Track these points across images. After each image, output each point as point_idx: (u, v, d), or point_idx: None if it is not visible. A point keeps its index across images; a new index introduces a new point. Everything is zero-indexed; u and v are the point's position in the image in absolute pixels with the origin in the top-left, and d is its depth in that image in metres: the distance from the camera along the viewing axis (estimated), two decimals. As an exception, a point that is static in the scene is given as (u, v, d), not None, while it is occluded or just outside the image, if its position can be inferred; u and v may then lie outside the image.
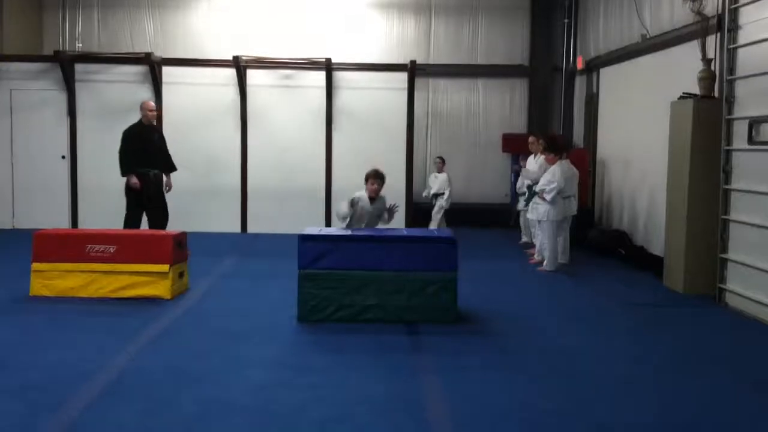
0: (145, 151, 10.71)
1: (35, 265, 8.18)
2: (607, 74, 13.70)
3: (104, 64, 14.09)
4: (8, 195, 13.96)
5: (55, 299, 7.95)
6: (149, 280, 8.07)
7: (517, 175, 12.91)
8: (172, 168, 11.16)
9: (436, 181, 13.98)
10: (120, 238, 8.26)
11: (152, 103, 11.27)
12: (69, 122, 13.96)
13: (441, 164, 14.05)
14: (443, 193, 13.81)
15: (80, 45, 15.60)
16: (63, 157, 13.96)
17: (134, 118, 13.79)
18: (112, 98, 13.95)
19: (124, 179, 10.68)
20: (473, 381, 5.56)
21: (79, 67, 13.96)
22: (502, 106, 16.04)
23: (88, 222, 13.50)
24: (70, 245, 8.18)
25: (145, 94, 13.84)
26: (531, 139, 12.20)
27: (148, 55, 13.86)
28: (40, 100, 14.01)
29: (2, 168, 13.92)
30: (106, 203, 13.16)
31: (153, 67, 13.78)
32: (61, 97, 13.93)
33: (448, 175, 13.92)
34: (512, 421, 4.82)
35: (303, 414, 4.83)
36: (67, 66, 13.82)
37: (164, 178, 11.04)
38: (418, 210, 14.21)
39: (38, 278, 8.14)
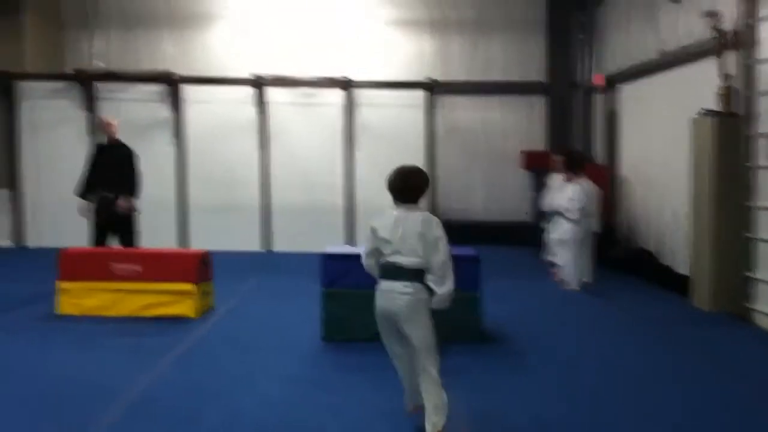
0: (99, 171, 9.92)
1: (62, 284, 8.25)
2: (626, 90, 13.69)
3: (124, 82, 14.24)
4: (34, 213, 14.07)
5: (83, 318, 8.02)
6: (174, 299, 8.13)
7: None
8: (126, 189, 9.88)
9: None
10: (145, 257, 8.34)
11: (110, 118, 10.49)
12: (90, 140, 14.08)
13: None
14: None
15: (101, 64, 15.76)
16: (84, 175, 14.06)
17: (154, 135, 14.05)
18: (133, 116, 14.04)
19: (79, 202, 9.96)
20: (495, 400, 5.58)
21: (99, 86, 14.12)
22: (520, 122, 16.05)
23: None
24: (96, 264, 8.27)
25: (165, 112, 13.99)
26: (556, 157, 12.12)
27: (168, 73, 13.99)
28: (61, 118, 14.15)
29: (28, 186, 14.05)
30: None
31: (172, 85, 13.90)
32: (82, 116, 14.07)
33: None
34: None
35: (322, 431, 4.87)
36: (87, 85, 13.97)
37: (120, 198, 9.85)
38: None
39: (65, 296, 8.22)
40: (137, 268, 8.15)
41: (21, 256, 13.26)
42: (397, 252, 4.59)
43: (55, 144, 14.12)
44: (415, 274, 4.58)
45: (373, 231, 4.70)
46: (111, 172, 9.88)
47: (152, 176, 13.84)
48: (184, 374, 6.08)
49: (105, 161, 9.99)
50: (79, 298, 8.19)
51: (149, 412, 5.18)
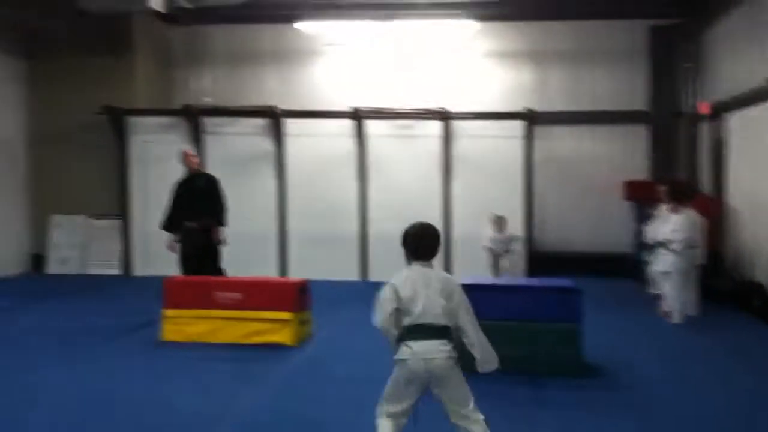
0: (186, 202, 10.09)
1: (166, 312, 8.52)
2: (734, 119, 13.26)
3: (230, 117, 14.70)
4: (142, 243, 14.60)
5: (185, 344, 8.23)
6: (274, 327, 8.26)
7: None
8: (219, 220, 10.10)
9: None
10: (246, 286, 8.52)
11: (188, 150, 10.78)
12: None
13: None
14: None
15: (208, 99, 16.32)
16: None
17: (257, 168, 14.42)
18: (237, 150, 14.52)
19: (166, 235, 10.21)
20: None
21: (206, 120, 14.61)
22: (623, 152, 15.72)
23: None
24: (199, 292, 8.49)
25: (268, 145, 14.36)
26: (661, 187, 11.80)
27: (271, 107, 14.36)
28: (170, 152, 14.64)
29: (136, 217, 14.61)
30: (231, 251, 13.58)
31: (275, 119, 14.26)
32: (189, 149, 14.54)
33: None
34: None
35: (425, 464, 4.82)
36: (195, 119, 14.48)
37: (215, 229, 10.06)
38: (537, 259, 14.04)
39: (169, 324, 8.48)
40: (238, 296, 8.34)
41: (128, 284, 13.75)
42: (426, 311, 4.40)
43: (163, 176, 14.59)
44: (447, 332, 4.43)
45: (396, 291, 4.49)
46: (195, 203, 10.02)
47: (255, 207, 14.29)
48: (283, 403, 6.16)
49: (188, 193, 10.14)
50: (182, 326, 8.42)
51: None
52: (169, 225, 10.08)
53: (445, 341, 4.37)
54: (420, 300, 4.39)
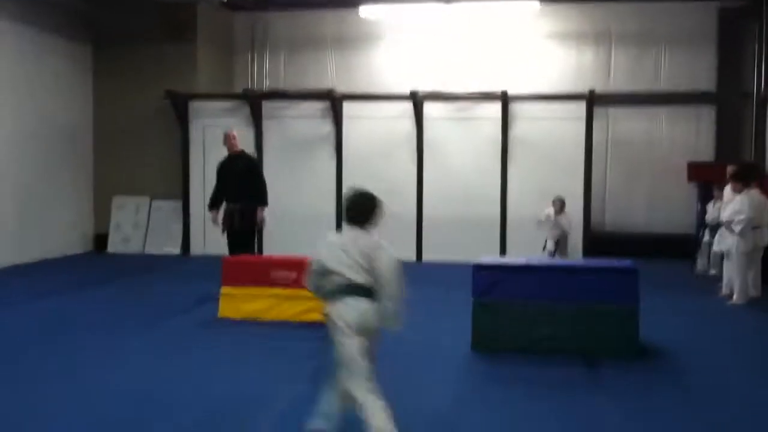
0: (226, 184, 10.22)
1: (224, 289, 8.65)
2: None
3: (289, 100, 14.80)
4: (201, 223, 14.84)
5: (241, 322, 8.34)
6: (327, 306, 8.30)
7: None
8: (259, 201, 10.17)
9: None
10: (301, 265, 8.54)
11: (231, 131, 10.64)
12: (256, 156, 14.70)
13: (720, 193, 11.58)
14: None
15: (267, 83, 16.46)
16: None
17: (316, 151, 14.51)
18: (296, 133, 14.63)
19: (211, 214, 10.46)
20: (654, 420, 5.30)
21: (266, 104, 14.74)
22: (687, 134, 15.38)
23: (272, 248, 14.10)
24: (256, 271, 8.60)
25: (327, 128, 14.42)
26: (730, 169, 11.49)
27: (330, 91, 14.40)
28: (229, 135, 14.84)
29: (196, 198, 14.85)
30: (289, 231, 13.73)
31: (334, 102, 14.30)
32: (250, 133, 14.70)
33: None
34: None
35: (476, 442, 4.80)
36: (255, 103, 14.62)
37: (258, 211, 10.13)
38: (595, 240, 13.84)
39: (226, 301, 8.60)
40: (293, 275, 8.40)
41: (187, 263, 14.00)
42: (347, 272, 4.51)
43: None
44: (370, 292, 4.50)
45: (321, 253, 4.62)
46: (235, 185, 10.10)
47: (313, 189, 14.40)
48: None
49: (229, 174, 10.23)
50: (239, 303, 8.54)
51: (301, 417, 5.28)
52: (213, 206, 10.34)
53: (367, 299, 4.46)
54: (344, 262, 4.50)
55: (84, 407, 5.45)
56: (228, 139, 10.41)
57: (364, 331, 4.44)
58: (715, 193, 12.20)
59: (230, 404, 5.59)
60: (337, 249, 4.55)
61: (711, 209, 12.21)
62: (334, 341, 4.46)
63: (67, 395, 5.74)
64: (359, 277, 4.47)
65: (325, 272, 4.56)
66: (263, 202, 10.18)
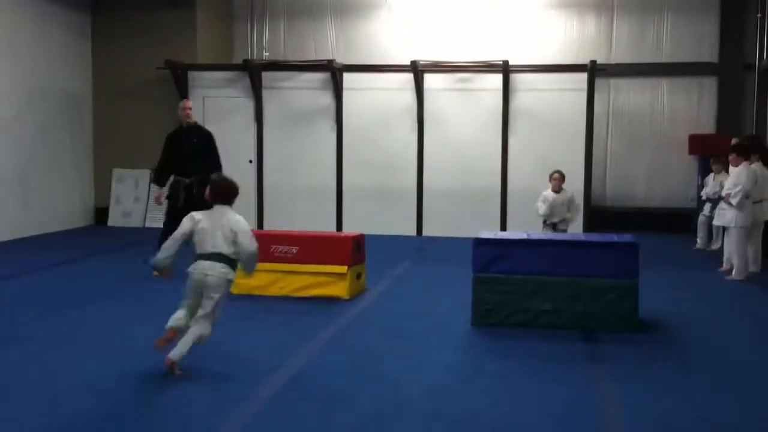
0: (180, 156, 9.78)
1: (224, 264, 8.64)
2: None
3: (289, 71, 14.71)
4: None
5: (242, 296, 8.35)
6: (328, 281, 8.33)
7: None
8: (216, 173, 9.92)
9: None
10: (302, 240, 8.58)
11: (186, 101, 10.27)
12: (256, 128, 14.67)
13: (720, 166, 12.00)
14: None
15: (267, 54, 16.35)
16: (251, 161, 14.68)
17: (316, 123, 14.46)
18: (296, 104, 14.56)
19: (156, 190, 10.08)
20: (653, 392, 5.34)
21: (266, 75, 14.65)
22: (689, 105, 15.33)
23: (272, 223, 14.11)
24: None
25: (327, 99, 14.36)
26: (735, 141, 11.46)
27: (330, 62, 14.31)
28: (230, 107, 14.80)
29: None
30: (289, 205, 13.73)
31: (334, 73, 14.22)
32: (249, 104, 14.65)
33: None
34: (696, 438, 4.61)
35: (476, 419, 4.82)
36: (255, 74, 14.53)
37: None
38: (596, 213, 13.83)
39: (227, 276, 8.60)
40: (294, 250, 8.41)
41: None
42: (212, 241, 5.69)
43: (223, 130, 14.73)
44: (227, 259, 5.68)
45: (194, 221, 5.79)
46: (192, 157, 9.74)
47: (313, 161, 14.37)
48: (336, 355, 6.21)
49: (184, 148, 9.83)
50: (239, 278, 8.52)
51: (303, 391, 5.32)
52: (159, 178, 9.91)
53: (224, 264, 5.66)
54: (209, 232, 5.70)
55: (90, 364, 5.50)
56: (184, 110, 10.00)
57: (211, 285, 5.64)
58: (713, 167, 12.21)
59: (229, 374, 5.62)
60: (209, 222, 5.77)
61: (710, 183, 12.21)
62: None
63: (75, 353, 5.77)
64: (223, 249, 5.69)
65: (188, 239, 5.84)
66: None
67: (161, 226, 14.25)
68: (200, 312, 5.63)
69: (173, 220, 9.37)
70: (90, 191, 15.40)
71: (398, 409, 4.97)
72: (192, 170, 9.70)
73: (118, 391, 5.25)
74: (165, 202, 9.94)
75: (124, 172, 15.40)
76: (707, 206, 12.15)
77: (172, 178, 9.92)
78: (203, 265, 5.67)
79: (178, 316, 5.67)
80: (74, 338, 6.75)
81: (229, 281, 5.76)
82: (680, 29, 15.29)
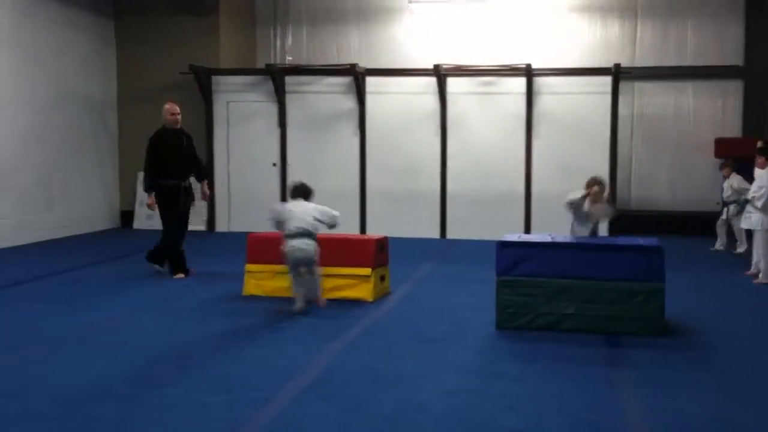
0: (174, 160, 9.64)
1: (248, 266, 8.68)
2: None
3: (312, 75, 14.76)
4: (225, 200, 14.94)
5: (266, 299, 8.38)
6: (352, 283, 8.33)
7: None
8: (204, 175, 10.26)
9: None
10: (325, 242, 8.55)
11: (174, 106, 9.91)
12: (279, 132, 14.72)
13: (728, 170, 12.46)
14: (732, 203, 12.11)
15: (290, 58, 16.42)
16: (274, 164, 14.74)
17: (339, 126, 14.49)
18: (319, 108, 14.60)
19: (148, 195, 9.74)
20: (676, 397, 5.27)
21: (289, 79, 14.71)
22: (714, 108, 15.21)
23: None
24: (279, 248, 8.57)
25: (350, 103, 14.39)
26: (760, 144, 11.41)
27: (353, 66, 14.34)
28: (253, 111, 14.88)
29: (220, 175, 14.92)
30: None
31: (357, 77, 14.25)
32: (273, 108, 14.71)
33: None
34: (721, 442, 4.55)
35: (495, 423, 4.79)
36: (278, 78, 14.59)
37: (201, 186, 10.14)
38: (620, 217, 13.73)
39: (251, 278, 8.64)
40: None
41: (213, 239, 14.08)
42: (298, 222, 7.72)
43: (245, 134, 14.88)
44: (312, 235, 7.76)
45: (284, 208, 8.06)
46: (183, 161, 9.73)
47: (336, 165, 14.40)
48: (359, 358, 6.20)
49: (176, 150, 9.73)
50: (263, 280, 8.57)
51: (324, 393, 5.31)
52: (153, 183, 9.66)
53: (310, 240, 7.72)
54: (295, 216, 7.78)
55: (111, 366, 5.53)
56: (173, 115, 9.79)
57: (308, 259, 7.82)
58: (723, 171, 12.35)
59: (251, 376, 5.62)
60: (294, 209, 7.93)
61: (726, 186, 12.26)
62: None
63: (91, 353, 5.81)
64: (308, 227, 7.80)
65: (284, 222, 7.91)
66: (208, 177, 10.00)
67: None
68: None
69: (180, 221, 9.66)
70: (115, 194, 15.54)
71: (417, 412, 4.95)
72: (185, 173, 9.74)
73: (137, 393, 5.27)
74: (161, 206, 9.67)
75: (149, 176, 15.50)
76: (726, 209, 12.21)
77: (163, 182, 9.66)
78: (294, 242, 7.68)
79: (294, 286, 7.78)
80: (93, 339, 6.80)
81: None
82: (705, 32, 15.18)
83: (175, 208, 9.59)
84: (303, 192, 8.08)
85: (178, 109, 9.86)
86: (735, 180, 12.11)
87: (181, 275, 9.69)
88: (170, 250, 9.74)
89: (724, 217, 12.40)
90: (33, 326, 7.24)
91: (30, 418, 4.78)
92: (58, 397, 5.15)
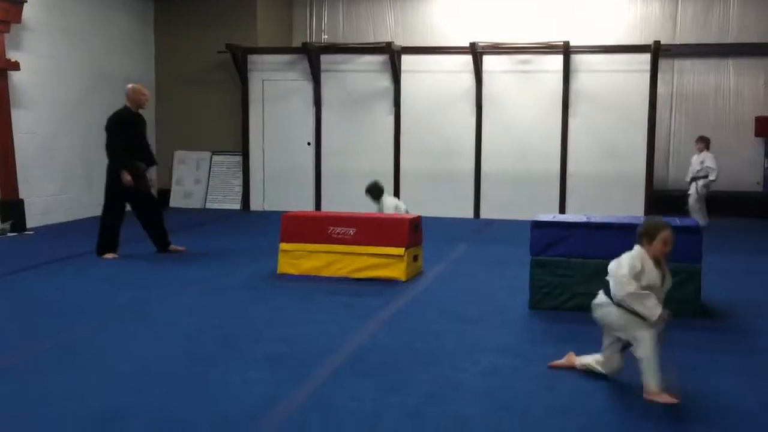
0: (137, 143, 9.60)
1: (283, 245, 8.73)
2: None
3: (348, 54, 14.74)
4: (260, 179, 15.04)
5: (300, 277, 8.44)
6: (386, 262, 8.35)
7: None
8: (153, 161, 10.07)
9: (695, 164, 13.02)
10: (360, 221, 8.62)
11: (144, 87, 9.83)
12: (315, 111, 14.75)
13: (702, 145, 12.98)
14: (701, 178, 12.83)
15: (326, 37, 16.40)
16: (309, 143, 14.79)
17: (374, 105, 14.47)
18: (355, 87, 14.59)
19: (124, 173, 9.40)
20: (714, 378, 5.24)
21: (324, 58, 14.71)
22: (756, 87, 14.90)
23: (330, 204, 14.20)
24: (315, 227, 8.65)
25: (385, 82, 14.36)
26: None
27: (389, 44, 14.29)
28: (289, 89, 14.92)
29: (255, 154, 15.01)
30: (347, 187, 13.78)
31: (393, 56, 14.20)
32: (308, 87, 14.74)
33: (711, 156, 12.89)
34: (758, 422, 4.51)
35: (532, 402, 4.80)
36: (313, 57, 14.60)
37: (148, 172, 9.95)
38: (658, 197, 13.60)
39: (285, 257, 8.70)
40: (352, 231, 8.45)
41: (247, 218, 14.19)
42: None
43: (281, 113, 14.93)
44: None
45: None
46: (144, 144, 9.81)
47: (371, 144, 14.41)
48: (393, 337, 6.23)
49: (141, 132, 9.77)
50: (297, 259, 8.63)
51: (360, 371, 5.35)
52: (129, 163, 9.47)
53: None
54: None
55: (154, 344, 5.62)
56: (144, 95, 9.70)
57: None
58: (699, 145, 12.86)
59: (286, 354, 5.67)
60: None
61: (694, 161, 12.80)
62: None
63: (138, 333, 5.91)
64: None
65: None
66: (154, 161, 10.08)
67: (222, 207, 14.50)
68: None
69: (148, 204, 9.86)
70: (152, 173, 15.66)
71: (454, 391, 4.97)
72: (145, 156, 9.79)
73: (176, 371, 5.34)
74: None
75: (186, 155, 15.69)
76: (695, 184, 12.79)
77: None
78: None
79: None
80: (134, 318, 6.91)
81: None
82: (747, 9, 14.86)
83: (125, 191, 9.49)
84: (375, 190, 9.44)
85: (146, 91, 9.84)
86: (708, 158, 12.54)
87: (113, 255, 9.66)
88: (106, 232, 9.69)
89: (692, 192, 12.70)
90: (81, 302, 7.38)
91: (78, 393, 4.88)
92: (102, 375, 5.25)
